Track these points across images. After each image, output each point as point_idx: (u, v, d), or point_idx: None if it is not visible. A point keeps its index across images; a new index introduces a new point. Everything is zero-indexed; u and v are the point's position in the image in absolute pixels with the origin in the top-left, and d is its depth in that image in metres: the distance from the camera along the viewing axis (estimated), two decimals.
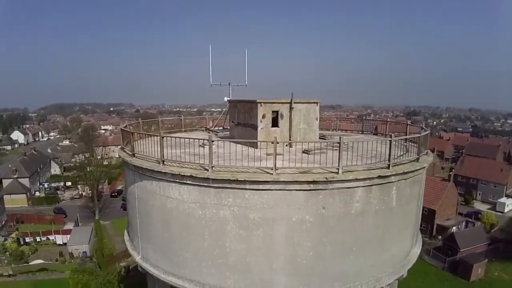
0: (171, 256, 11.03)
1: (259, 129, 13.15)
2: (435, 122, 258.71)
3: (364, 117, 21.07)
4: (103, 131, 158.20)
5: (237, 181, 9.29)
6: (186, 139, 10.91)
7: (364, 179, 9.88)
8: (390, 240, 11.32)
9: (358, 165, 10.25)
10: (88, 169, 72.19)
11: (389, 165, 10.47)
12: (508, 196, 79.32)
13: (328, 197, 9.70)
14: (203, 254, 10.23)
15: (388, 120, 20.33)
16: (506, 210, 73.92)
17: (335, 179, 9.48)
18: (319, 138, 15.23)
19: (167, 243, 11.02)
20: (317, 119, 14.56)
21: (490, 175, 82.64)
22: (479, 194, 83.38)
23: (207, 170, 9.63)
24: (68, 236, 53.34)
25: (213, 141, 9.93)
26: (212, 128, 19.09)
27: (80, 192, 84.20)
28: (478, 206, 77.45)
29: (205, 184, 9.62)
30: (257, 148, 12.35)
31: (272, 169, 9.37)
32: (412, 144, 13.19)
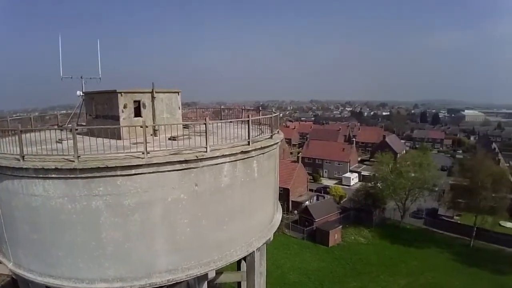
0: (45, 257, 10.40)
1: (121, 119, 13.07)
2: (281, 114, 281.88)
3: (221, 111, 22.43)
4: None
5: (107, 169, 9.29)
6: (45, 135, 10.43)
7: (229, 155, 10.98)
8: (256, 208, 12.73)
9: (223, 144, 11.26)
10: None
11: (249, 142, 11.84)
12: (351, 171, 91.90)
13: (200, 174, 10.46)
14: (78, 249, 9.94)
15: (243, 108, 22.12)
16: (352, 183, 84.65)
17: (204, 157, 10.30)
18: (183, 127, 15.85)
19: (38, 244, 10.34)
20: (179, 108, 15.13)
21: (334, 155, 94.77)
22: (325, 172, 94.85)
23: (73, 161, 9.39)
24: None
25: (76, 130, 9.69)
26: (66, 126, 17.88)
27: None
28: (326, 182, 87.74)
29: (72, 176, 9.35)
30: (120, 139, 12.30)
31: (142, 154, 9.66)
32: (266, 126, 15.00)
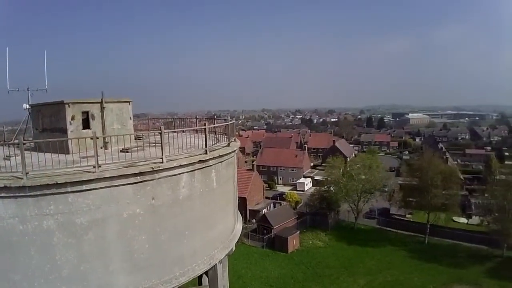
0: (1, 282, 9.46)
1: (69, 132, 12.32)
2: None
3: (173, 120, 22.00)
4: None
5: (57, 185, 8.63)
6: None
7: (187, 165, 10.62)
8: (216, 218, 12.41)
9: (180, 154, 10.89)
10: None
11: (206, 150, 11.52)
12: (305, 176, 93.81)
13: (156, 187, 10.01)
14: (33, 272, 9.11)
15: (197, 117, 21.68)
16: (306, 189, 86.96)
17: (161, 168, 9.88)
18: (136, 138, 15.24)
19: None
20: (130, 118, 14.55)
21: (288, 161, 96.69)
22: (280, 178, 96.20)
23: (22, 178, 8.65)
24: None
25: (24, 144, 8.98)
26: (12, 141, 16.67)
27: None
28: (281, 189, 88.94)
29: (21, 194, 8.59)
30: (69, 153, 11.62)
31: (94, 167, 9.08)
32: (222, 135, 14.80)
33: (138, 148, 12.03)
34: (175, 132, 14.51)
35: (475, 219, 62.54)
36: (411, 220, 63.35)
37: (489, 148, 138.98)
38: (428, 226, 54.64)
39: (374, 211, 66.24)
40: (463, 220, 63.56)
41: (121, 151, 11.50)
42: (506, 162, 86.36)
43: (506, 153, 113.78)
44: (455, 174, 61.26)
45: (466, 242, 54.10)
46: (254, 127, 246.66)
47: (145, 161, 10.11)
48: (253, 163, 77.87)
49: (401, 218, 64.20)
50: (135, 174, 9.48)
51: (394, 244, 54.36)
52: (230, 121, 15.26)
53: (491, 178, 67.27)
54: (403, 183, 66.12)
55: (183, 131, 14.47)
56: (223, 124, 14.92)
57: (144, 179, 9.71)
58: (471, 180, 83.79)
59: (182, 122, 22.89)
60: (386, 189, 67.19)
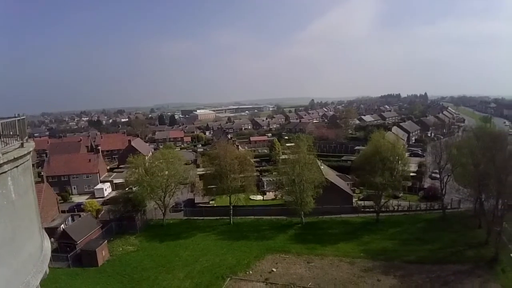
0: None
1: None
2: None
3: None
4: None
5: None
6: None
7: None
8: (22, 238, 9.90)
9: None
10: None
11: None
12: (103, 181, 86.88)
13: None
14: None
15: None
16: (106, 194, 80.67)
17: None
18: None
19: None
20: None
21: (81, 168, 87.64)
22: (75, 188, 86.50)
23: None
24: None
25: None
26: None
27: None
28: (77, 199, 79.79)
29: None
30: None
31: None
32: (9, 138, 11.84)
33: None
34: None
35: (269, 195, 71.76)
36: (215, 205, 67.25)
37: (269, 134, 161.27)
38: (231, 207, 59.10)
39: (180, 204, 67.50)
40: (259, 197, 71.71)
41: None
42: (287, 144, 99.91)
43: (286, 137, 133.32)
44: (248, 158, 67.71)
45: (266, 216, 61.20)
46: (35, 134, 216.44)
47: None
48: (41, 175, 67.39)
49: (205, 205, 67.29)
50: None
51: (204, 231, 56.48)
52: (22, 116, 12.37)
53: (277, 159, 77.45)
54: (203, 173, 69.38)
55: None
56: (11, 119, 11.82)
57: None
58: (259, 163, 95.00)
59: None
60: (188, 181, 69.01)
